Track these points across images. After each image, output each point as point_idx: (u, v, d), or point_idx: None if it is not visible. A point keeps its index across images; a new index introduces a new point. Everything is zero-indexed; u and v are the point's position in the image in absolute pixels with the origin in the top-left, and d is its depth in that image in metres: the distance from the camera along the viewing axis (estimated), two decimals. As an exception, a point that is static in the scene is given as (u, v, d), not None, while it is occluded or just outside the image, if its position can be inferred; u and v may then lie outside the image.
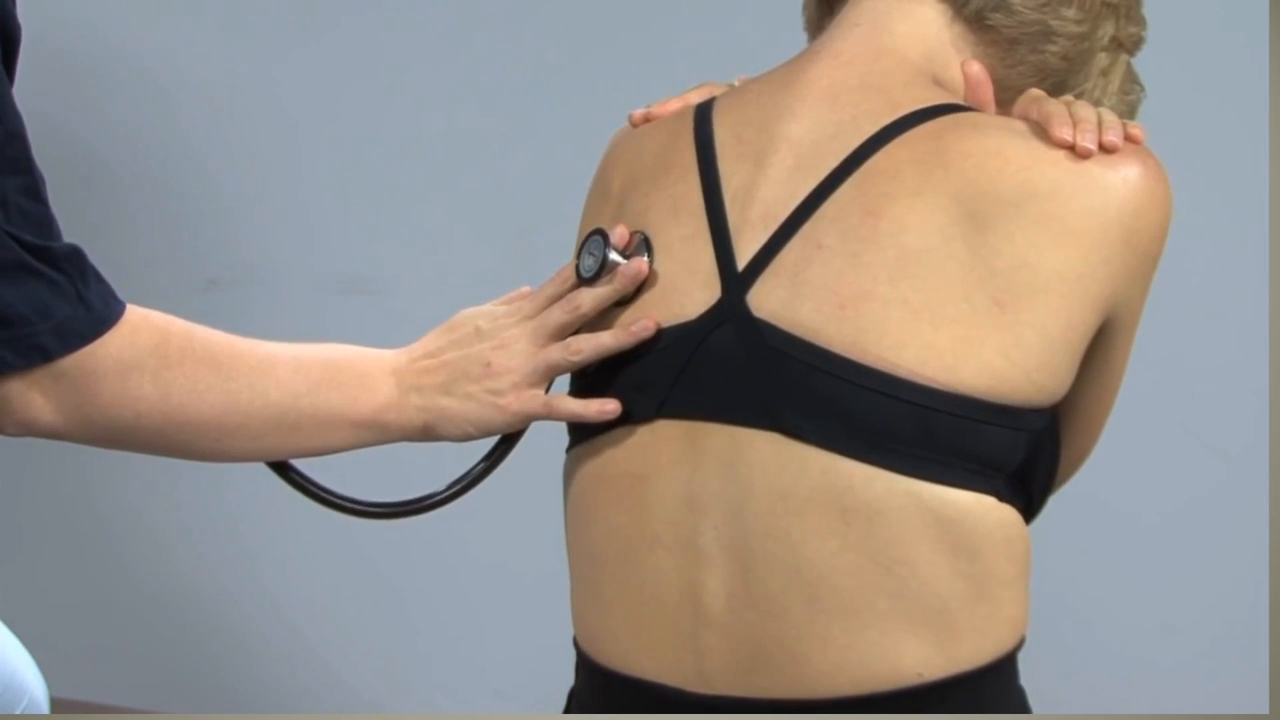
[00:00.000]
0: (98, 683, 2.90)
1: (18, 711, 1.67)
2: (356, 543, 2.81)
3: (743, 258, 1.28)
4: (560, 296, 1.37)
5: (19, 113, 1.25)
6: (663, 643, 1.30)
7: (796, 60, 1.37)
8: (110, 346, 1.28)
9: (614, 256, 1.32)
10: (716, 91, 1.40)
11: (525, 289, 1.40)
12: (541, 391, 1.37)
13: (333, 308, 2.76)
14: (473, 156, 2.69)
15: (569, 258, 1.40)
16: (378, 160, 2.74)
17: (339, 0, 2.75)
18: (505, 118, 2.67)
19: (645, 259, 1.32)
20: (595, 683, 1.35)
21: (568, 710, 1.40)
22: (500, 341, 1.36)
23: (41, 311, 1.24)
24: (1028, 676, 1.31)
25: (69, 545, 2.96)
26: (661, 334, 1.30)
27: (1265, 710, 2.21)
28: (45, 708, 1.74)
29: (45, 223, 1.26)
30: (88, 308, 1.26)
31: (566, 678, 1.39)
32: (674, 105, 1.41)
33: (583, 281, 1.34)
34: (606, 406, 1.32)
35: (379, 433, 1.38)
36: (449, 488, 1.44)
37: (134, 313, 1.31)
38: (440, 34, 2.70)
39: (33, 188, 1.25)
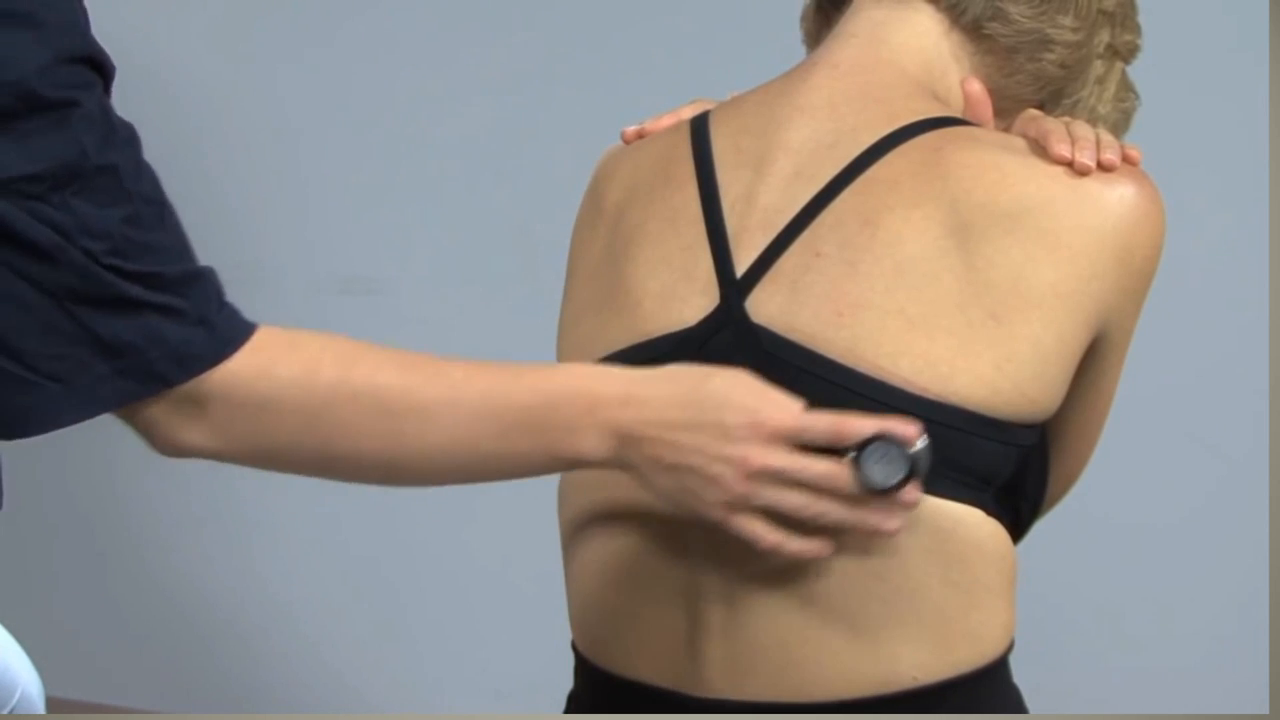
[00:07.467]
0: (98, 683, 2.90)
1: (9, 707, 1.66)
2: (357, 544, 2.81)
3: (741, 264, 1.28)
4: (818, 474, 1.19)
5: (118, 143, 1.21)
6: (660, 647, 1.30)
7: (794, 71, 1.36)
8: (242, 372, 1.22)
9: (918, 460, 1.17)
10: (709, 107, 1.39)
11: (798, 410, 1.20)
12: (748, 517, 1.21)
13: (333, 308, 2.75)
14: (472, 157, 2.69)
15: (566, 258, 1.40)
16: (378, 160, 2.74)
17: (340, 1, 2.75)
18: (505, 118, 2.67)
19: (919, 488, 1.19)
20: (594, 686, 1.35)
21: (567, 713, 1.40)
22: (741, 458, 1.20)
23: (153, 339, 1.19)
24: (1027, 677, 1.31)
25: (69, 545, 2.96)
26: (661, 341, 1.29)
27: (1265, 710, 2.21)
28: (39, 703, 1.72)
29: (156, 249, 1.21)
30: (210, 330, 1.21)
31: (566, 679, 1.39)
32: (667, 121, 1.40)
33: (868, 489, 1.18)
34: (811, 545, 1.21)
35: (569, 466, 1.27)
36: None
37: (273, 338, 1.24)
38: (440, 35, 2.70)
39: (137, 216, 1.20)
